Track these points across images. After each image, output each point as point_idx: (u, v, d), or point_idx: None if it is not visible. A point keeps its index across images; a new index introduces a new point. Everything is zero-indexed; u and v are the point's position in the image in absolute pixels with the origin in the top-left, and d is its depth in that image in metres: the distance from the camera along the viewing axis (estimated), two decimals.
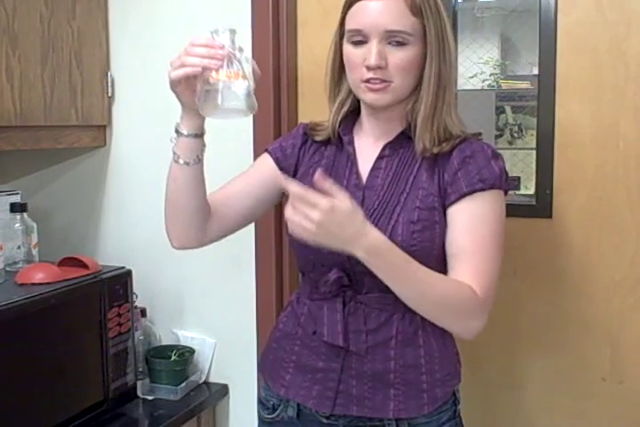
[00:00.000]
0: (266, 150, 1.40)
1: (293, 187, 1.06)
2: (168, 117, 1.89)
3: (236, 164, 1.82)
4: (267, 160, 1.38)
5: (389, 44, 1.18)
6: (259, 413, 1.39)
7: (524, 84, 1.79)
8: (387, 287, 1.18)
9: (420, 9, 1.18)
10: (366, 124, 1.31)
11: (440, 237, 1.22)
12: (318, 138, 1.34)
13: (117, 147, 1.95)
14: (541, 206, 1.62)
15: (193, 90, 1.15)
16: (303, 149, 1.36)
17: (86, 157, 1.98)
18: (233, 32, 1.11)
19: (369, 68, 1.19)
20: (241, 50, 1.11)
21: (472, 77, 1.76)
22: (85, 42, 1.82)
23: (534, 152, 1.63)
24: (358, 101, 1.31)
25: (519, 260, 1.65)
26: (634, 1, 1.51)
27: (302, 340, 1.30)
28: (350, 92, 1.29)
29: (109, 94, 1.91)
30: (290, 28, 1.77)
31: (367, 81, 1.20)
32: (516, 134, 1.79)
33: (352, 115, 1.32)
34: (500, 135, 1.80)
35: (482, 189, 1.21)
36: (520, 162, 1.73)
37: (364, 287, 1.23)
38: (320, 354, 1.27)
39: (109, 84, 1.90)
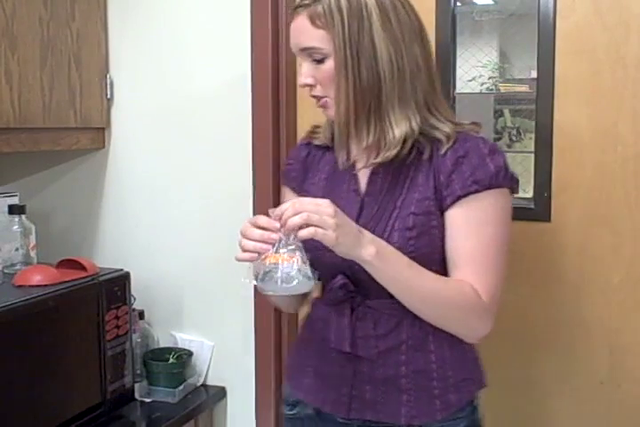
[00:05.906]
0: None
1: (286, 204, 1.06)
2: (166, 120, 1.91)
3: (235, 164, 1.81)
4: (288, 195, 1.38)
5: (313, 61, 1.20)
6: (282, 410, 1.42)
7: (523, 88, 1.79)
8: None
9: (324, 19, 1.16)
10: None
11: (441, 241, 1.20)
12: (317, 142, 1.34)
13: (116, 149, 1.95)
14: (540, 209, 1.62)
15: None
16: (309, 159, 1.36)
17: (85, 159, 1.98)
18: None
19: (304, 87, 1.22)
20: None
21: (471, 81, 1.76)
22: (84, 44, 1.82)
23: (533, 155, 1.64)
24: None
25: (518, 263, 1.64)
26: (632, 5, 1.52)
27: (316, 346, 1.30)
28: None
29: (108, 96, 1.91)
30: (289, 27, 1.76)
31: (314, 98, 1.23)
32: (514, 137, 1.79)
33: None
34: (499, 138, 1.80)
35: (476, 191, 1.17)
36: (519, 165, 1.73)
37: (372, 293, 1.22)
38: (333, 359, 1.26)
39: (108, 87, 1.90)
